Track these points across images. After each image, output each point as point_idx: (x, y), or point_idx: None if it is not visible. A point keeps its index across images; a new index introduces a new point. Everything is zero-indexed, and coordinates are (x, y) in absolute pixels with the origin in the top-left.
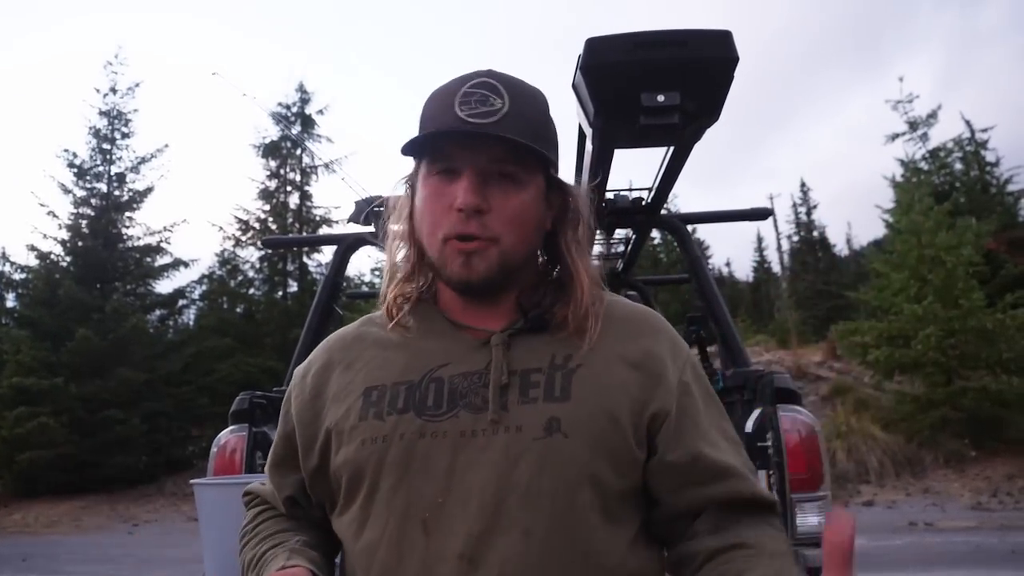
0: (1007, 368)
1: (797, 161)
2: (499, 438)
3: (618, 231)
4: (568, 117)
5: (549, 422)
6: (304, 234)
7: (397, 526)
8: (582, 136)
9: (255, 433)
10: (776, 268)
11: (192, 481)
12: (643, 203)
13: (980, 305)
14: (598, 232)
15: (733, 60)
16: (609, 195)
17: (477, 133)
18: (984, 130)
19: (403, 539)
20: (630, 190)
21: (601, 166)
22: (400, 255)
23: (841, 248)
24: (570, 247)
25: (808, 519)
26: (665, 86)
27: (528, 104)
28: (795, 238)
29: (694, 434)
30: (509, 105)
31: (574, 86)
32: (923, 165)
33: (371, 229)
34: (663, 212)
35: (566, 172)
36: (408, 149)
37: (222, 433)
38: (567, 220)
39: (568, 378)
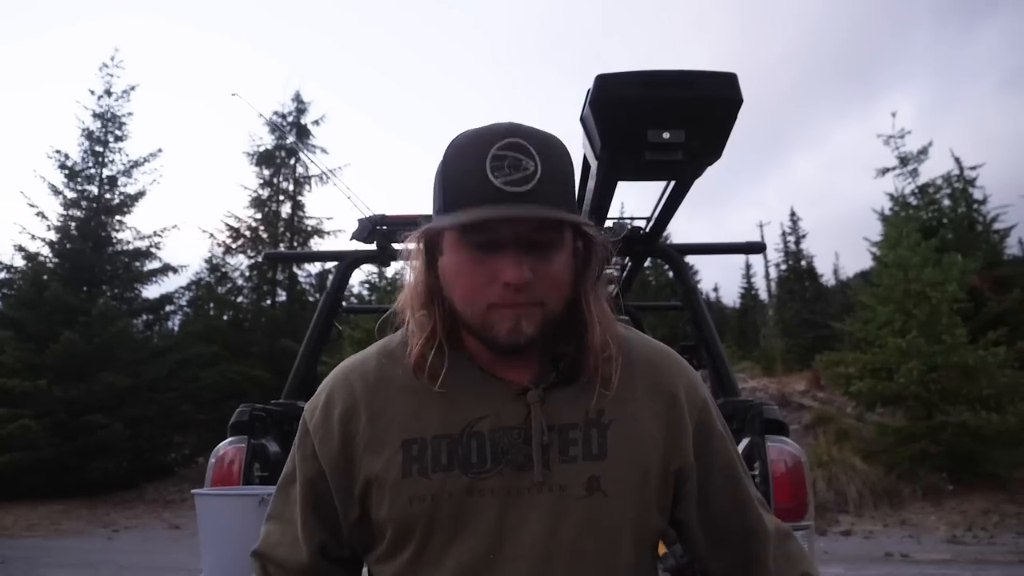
0: (986, 404)
1: (785, 189)
2: (544, 497)
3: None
4: (574, 148)
5: (590, 481)
6: (296, 245)
7: None
8: (586, 167)
9: (254, 445)
10: (763, 295)
11: (194, 491)
12: (642, 232)
13: (963, 341)
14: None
15: (738, 102)
16: (608, 223)
17: (522, 217)
18: (973, 168)
19: None
20: (631, 219)
21: (603, 196)
22: (419, 315)
23: (828, 278)
24: (588, 295)
25: None
26: (672, 124)
27: (556, 160)
28: (783, 266)
29: (718, 475)
30: (541, 167)
31: (582, 119)
32: (912, 200)
33: (373, 247)
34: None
35: None
36: (451, 225)
37: (221, 444)
38: (588, 269)
39: (604, 434)
